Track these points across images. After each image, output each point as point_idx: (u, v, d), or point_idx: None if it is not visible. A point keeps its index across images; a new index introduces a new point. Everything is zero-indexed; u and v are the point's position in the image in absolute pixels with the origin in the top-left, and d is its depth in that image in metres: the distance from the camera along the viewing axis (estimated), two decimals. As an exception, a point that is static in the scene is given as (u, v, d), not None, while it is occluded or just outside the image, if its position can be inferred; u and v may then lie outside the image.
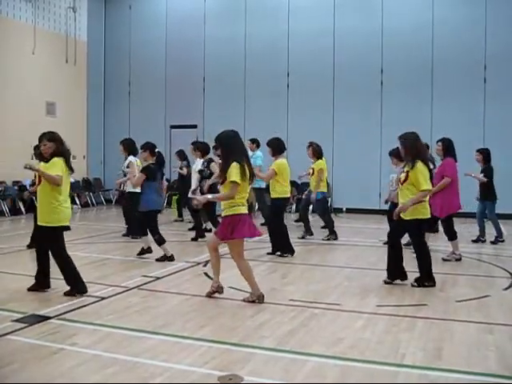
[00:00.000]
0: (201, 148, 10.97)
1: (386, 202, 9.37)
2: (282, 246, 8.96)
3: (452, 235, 8.65)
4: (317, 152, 10.68)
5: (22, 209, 15.01)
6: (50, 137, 6.30)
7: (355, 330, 5.10)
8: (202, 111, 17.59)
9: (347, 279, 7.32)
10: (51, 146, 6.24)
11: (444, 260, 8.53)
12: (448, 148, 8.58)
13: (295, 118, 16.24)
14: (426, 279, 6.82)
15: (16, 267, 8.12)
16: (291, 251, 8.97)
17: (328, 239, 10.67)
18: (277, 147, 9.05)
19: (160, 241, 8.44)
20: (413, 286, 6.78)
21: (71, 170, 6.32)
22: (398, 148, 7.30)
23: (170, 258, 8.41)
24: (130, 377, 3.97)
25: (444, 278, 7.31)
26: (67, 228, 6.36)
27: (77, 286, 6.26)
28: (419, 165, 6.63)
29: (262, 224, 11.65)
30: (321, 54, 16.12)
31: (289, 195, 9.24)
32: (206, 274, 7.45)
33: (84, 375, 3.98)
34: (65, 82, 17.47)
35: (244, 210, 5.92)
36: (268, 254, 9.02)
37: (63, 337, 4.81)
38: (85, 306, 5.84)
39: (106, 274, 7.39)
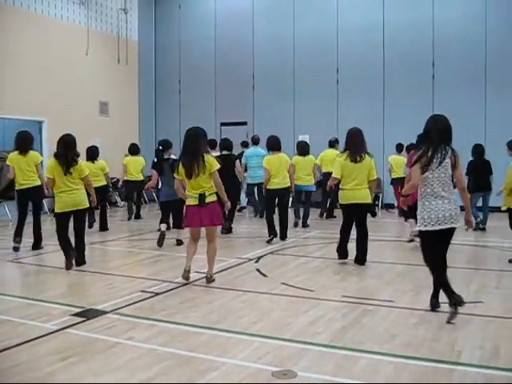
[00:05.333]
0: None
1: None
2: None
3: None
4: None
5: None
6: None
7: (409, 327, 5.04)
8: (251, 108, 17.66)
9: (399, 276, 7.23)
10: None
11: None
12: None
13: (345, 113, 16.06)
14: None
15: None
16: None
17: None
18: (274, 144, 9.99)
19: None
20: None
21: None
22: None
23: None
24: (186, 370, 4.04)
25: (500, 274, 7.14)
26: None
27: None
28: None
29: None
30: (370, 50, 15.89)
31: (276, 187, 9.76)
32: (257, 270, 7.50)
33: (141, 368, 4.07)
34: (117, 82, 17.85)
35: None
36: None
37: (120, 331, 4.93)
38: (140, 301, 5.97)
39: (160, 270, 7.52)
